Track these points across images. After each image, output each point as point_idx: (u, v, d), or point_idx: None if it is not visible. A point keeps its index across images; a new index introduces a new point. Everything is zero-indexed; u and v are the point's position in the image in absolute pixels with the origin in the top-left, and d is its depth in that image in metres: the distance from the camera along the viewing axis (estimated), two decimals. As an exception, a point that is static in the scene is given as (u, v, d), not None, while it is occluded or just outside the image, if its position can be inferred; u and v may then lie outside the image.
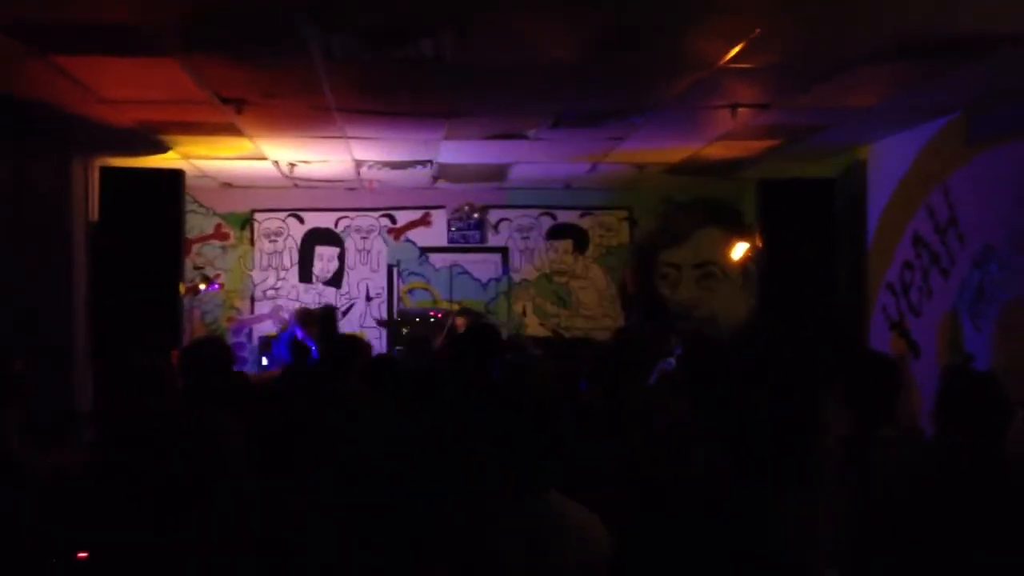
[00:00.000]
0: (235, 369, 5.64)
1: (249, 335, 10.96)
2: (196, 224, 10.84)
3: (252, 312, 11.15)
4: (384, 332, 10.99)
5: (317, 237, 11.31)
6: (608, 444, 3.83)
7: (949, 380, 3.77)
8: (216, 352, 4.36)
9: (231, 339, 10.60)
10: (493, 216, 11.40)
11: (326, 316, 9.21)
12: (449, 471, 3.60)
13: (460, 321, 9.74)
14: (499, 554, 2.62)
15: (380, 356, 6.97)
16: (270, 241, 11.25)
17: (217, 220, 11.14)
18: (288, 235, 11.28)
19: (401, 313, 10.95)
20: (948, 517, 3.24)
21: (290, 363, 9.10)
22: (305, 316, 9.59)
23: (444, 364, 5.95)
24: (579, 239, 11.50)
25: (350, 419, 4.50)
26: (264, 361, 10.12)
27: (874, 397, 4.02)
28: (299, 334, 9.42)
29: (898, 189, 7.76)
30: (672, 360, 5.72)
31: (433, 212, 11.35)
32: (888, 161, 7.94)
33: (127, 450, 3.82)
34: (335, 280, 11.35)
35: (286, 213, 11.23)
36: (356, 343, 5.77)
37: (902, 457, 3.71)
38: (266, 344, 10.30)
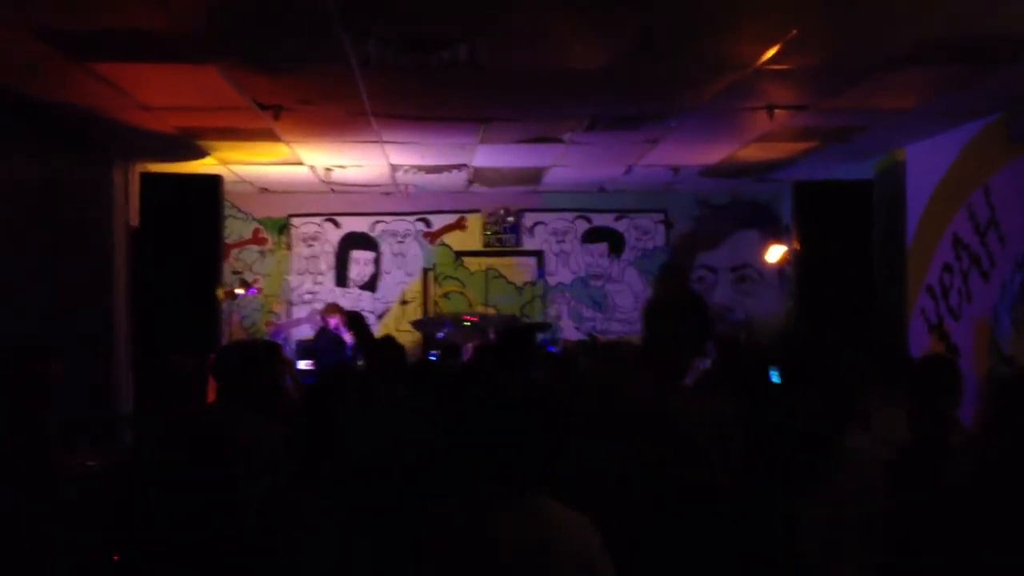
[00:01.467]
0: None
1: (287, 339, 11.04)
2: (234, 229, 10.95)
3: (289, 316, 11.23)
4: (419, 336, 11.02)
5: (353, 241, 11.38)
6: (640, 445, 3.82)
7: (1004, 386, 3.72)
8: (249, 355, 4.37)
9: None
10: (528, 219, 11.41)
11: (356, 318, 9.35)
12: (445, 473, 3.56)
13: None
14: (485, 557, 2.60)
15: (421, 360, 7.01)
16: (307, 245, 11.33)
17: (255, 225, 11.23)
18: (324, 239, 11.35)
19: (436, 317, 10.98)
20: (999, 520, 3.20)
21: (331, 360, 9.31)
22: (333, 307, 9.92)
23: (474, 367, 5.95)
24: (614, 242, 11.48)
25: (368, 422, 4.50)
26: (300, 364, 10.20)
27: (936, 403, 4.01)
28: (331, 324, 9.69)
29: (937, 190, 7.68)
30: (708, 361, 5.70)
31: (468, 216, 11.37)
32: (927, 162, 7.86)
33: (158, 454, 3.87)
34: (370, 284, 11.40)
35: (322, 218, 11.31)
36: (394, 345, 5.73)
37: (954, 462, 3.68)
38: (304, 350, 10.40)
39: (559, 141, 7.69)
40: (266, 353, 4.44)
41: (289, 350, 10.88)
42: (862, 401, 4.14)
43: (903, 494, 3.43)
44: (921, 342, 7.87)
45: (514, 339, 5.65)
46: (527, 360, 5.42)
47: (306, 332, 11.05)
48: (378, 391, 4.90)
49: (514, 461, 2.68)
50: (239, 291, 10.52)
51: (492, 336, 9.11)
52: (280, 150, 7.98)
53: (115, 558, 3.78)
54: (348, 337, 9.59)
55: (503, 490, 2.68)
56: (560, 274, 11.47)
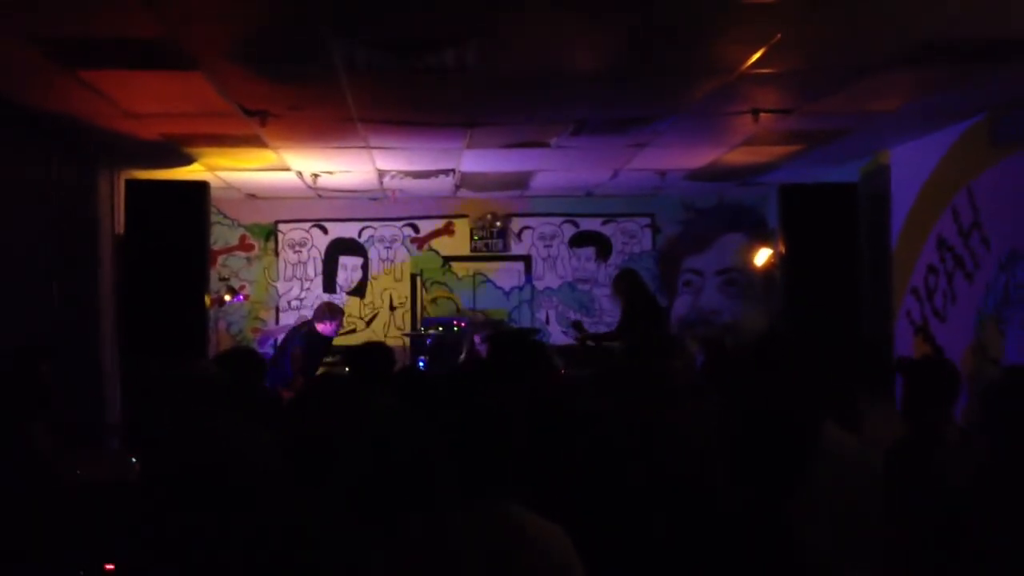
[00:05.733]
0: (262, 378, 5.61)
1: (274, 345, 11.01)
2: (221, 235, 10.92)
3: (277, 323, 11.20)
4: (408, 341, 11.01)
5: (341, 247, 11.37)
6: (631, 451, 3.83)
7: (995, 388, 3.74)
8: (247, 362, 4.35)
9: (257, 350, 10.65)
10: (515, 224, 11.42)
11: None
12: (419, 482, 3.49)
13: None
14: (451, 567, 2.57)
15: (407, 368, 6.96)
16: (294, 252, 11.31)
17: (242, 231, 11.21)
18: (312, 245, 11.34)
19: (425, 322, 10.98)
20: (998, 518, 3.22)
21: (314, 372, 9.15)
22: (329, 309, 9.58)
23: (469, 375, 5.91)
24: (602, 246, 11.50)
25: (360, 431, 4.47)
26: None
27: (934, 403, 4.03)
28: (330, 331, 9.42)
29: (922, 192, 7.73)
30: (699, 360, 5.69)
31: (456, 221, 11.38)
32: (911, 164, 7.91)
33: (156, 462, 3.86)
34: (359, 290, 11.39)
35: (310, 224, 11.29)
36: (383, 352, 5.64)
37: (954, 460, 3.71)
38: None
39: (545, 145, 7.71)
40: (260, 360, 4.43)
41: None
42: (850, 401, 4.16)
43: (901, 491, 3.45)
44: (906, 343, 7.92)
45: (507, 347, 5.59)
46: (524, 367, 5.34)
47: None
48: (367, 400, 4.87)
49: (481, 470, 2.65)
50: (227, 298, 10.50)
51: (478, 340, 9.05)
52: (267, 156, 7.98)
53: (108, 567, 3.77)
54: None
55: (470, 499, 2.64)
56: (548, 278, 11.47)
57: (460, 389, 5.19)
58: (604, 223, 11.47)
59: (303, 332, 9.49)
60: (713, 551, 2.93)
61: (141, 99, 5.96)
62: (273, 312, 11.26)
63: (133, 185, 8.24)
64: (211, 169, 8.66)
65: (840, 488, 2.90)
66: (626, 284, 9.07)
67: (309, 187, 9.81)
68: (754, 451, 2.83)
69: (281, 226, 11.27)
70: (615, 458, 3.73)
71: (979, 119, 6.78)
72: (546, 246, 11.47)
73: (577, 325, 9.71)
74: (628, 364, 5.03)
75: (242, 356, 4.55)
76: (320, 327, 9.42)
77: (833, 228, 8.41)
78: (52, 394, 3.87)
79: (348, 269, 11.37)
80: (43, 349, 4.15)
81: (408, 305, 11.36)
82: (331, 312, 9.50)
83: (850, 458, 2.96)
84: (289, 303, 11.28)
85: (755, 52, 4.97)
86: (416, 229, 11.38)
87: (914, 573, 3.38)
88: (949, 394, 4.14)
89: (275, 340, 10.92)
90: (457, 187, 10.08)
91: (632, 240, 11.46)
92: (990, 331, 6.67)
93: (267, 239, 11.25)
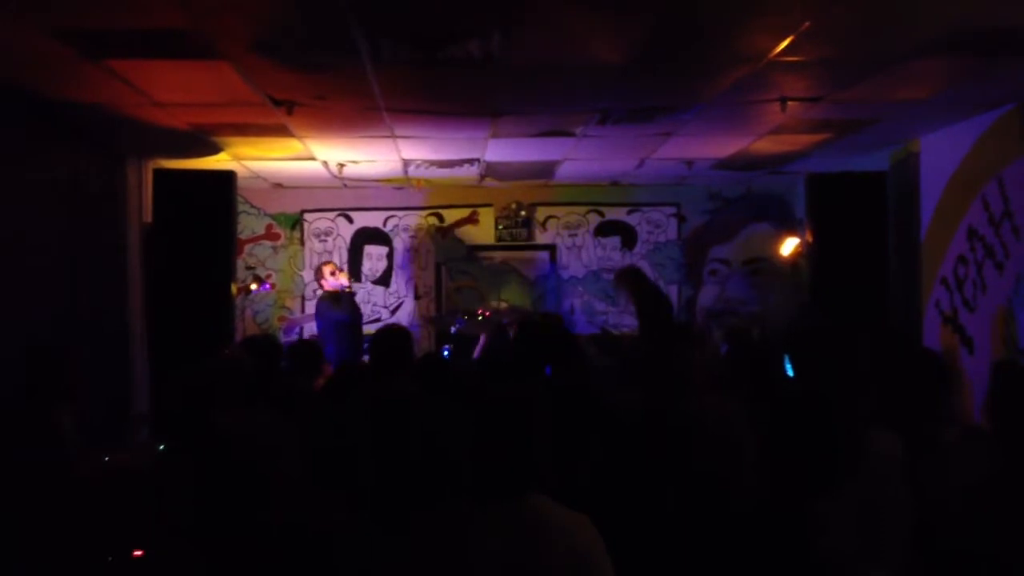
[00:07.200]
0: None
1: (300, 334, 11.06)
2: (247, 225, 10.99)
3: (303, 311, 11.26)
4: (432, 330, 11.05)
5: (366, 236, 11.40)
6: (655, 444, 3.82)
7: (1001, 376, 3.73)
8: (272, 349, 4.36)
9: (282, 338, 10.71)
10: (541, 213, 11.41)
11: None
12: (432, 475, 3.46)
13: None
14: (472, 561, 2.56)
15: (430, 355, 6.96)
16: (320, 241, 11.36)
17: (268, 220, 11.26)
18: (337, 235, 11.38)
19: (449, 311, 10.99)
20: (1008, 514, 3.19)
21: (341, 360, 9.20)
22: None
23: (490, 365, 5.90)
24: (627, 236, 11.47)
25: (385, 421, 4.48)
26: None
27: (921, 395, 3.98)
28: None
29: (951, 182, 7.65)
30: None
31: (481, 210, 11.38)
32: (941, 154, 7.82)
33: (182, 455, 3.88)
34: (384, 279, 11.42)
35: (335, 213, 11.34)
36: (399, 335, 5.57)
37: (960, 456, 3.67)
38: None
39: (571, 135, 7.69)
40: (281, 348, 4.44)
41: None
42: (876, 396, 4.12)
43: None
44: (936, 334, 7.85)
45: (532, 338, 5.55)
46: (548, 359, 5.30)
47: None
48: (390, 388, 4.87)
49: (507, 463, 2.64)
50: (253, 287, 10.56)
51: (508, 325, 9.03)
52: (293, 146, 8.00)
53: (137, 554, 3.80)
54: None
55: (495, 492, 2.63)
56: (573, 268, 11.47)
57: (482, 380, 5.19)
58: (629, 212, 11.44)
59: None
60: (727, 545, 2.91)
61: (169, 88, 5.98)
62: (299, 301, 11.32)
63: (161, 174, 8.29)
64: (238, 158, 8.70)
65: (880, 489, 2.87)
66: (627, 284, 9.00)
67: (335, 176, 9.84)
68: (792, 448, 2.81)
69: (307, 215, 11.32)
70: (631, 450, 3.73)
71: (1010, 108, 6.69)
72: (571, 235, 11.46)
73: (603, 331, 9.69)
74: (646, 355, 5.01)
75: (266, 343, 4.55)
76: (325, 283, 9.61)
77: (861, 217, 8.35)
78: (79, 385, 3.90)
79: (373, 258, 11.41)
80: (69, 348, 4.17)
81: (433, 294, 11.39)
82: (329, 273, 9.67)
83: (890, 461, 2.93)
84: (315, 292, 11.31)
85: (783, 40, 4.93)
86: (441, 218, 11.40)
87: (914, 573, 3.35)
88: (938, 388, 4.06)
89: (300, 329, 10.99)
90: (482, 176, 10.08)
91: (658, 229, 11.42)
92: (1020, 322, 6.60)
93: (293, 228, 11.30)
